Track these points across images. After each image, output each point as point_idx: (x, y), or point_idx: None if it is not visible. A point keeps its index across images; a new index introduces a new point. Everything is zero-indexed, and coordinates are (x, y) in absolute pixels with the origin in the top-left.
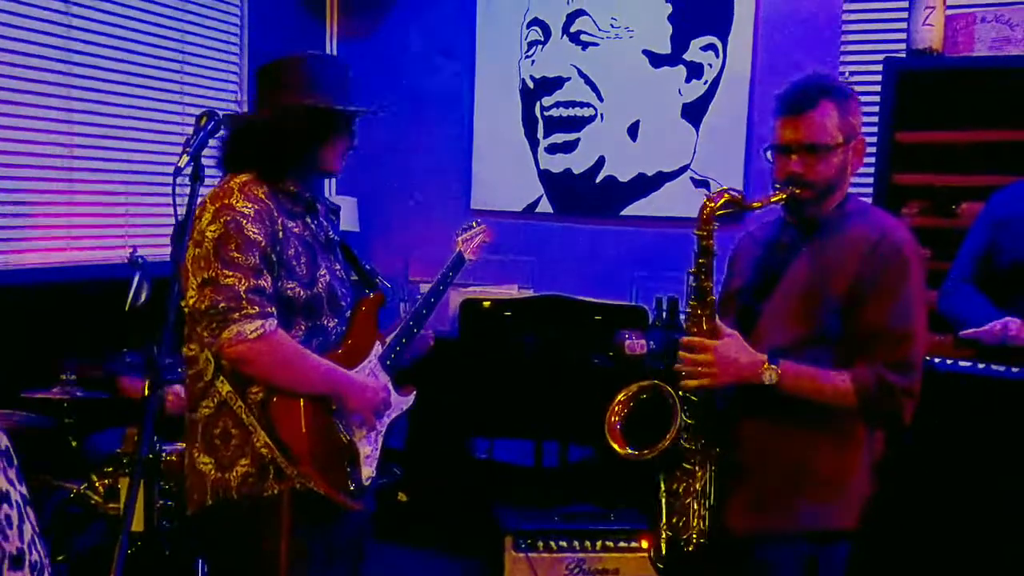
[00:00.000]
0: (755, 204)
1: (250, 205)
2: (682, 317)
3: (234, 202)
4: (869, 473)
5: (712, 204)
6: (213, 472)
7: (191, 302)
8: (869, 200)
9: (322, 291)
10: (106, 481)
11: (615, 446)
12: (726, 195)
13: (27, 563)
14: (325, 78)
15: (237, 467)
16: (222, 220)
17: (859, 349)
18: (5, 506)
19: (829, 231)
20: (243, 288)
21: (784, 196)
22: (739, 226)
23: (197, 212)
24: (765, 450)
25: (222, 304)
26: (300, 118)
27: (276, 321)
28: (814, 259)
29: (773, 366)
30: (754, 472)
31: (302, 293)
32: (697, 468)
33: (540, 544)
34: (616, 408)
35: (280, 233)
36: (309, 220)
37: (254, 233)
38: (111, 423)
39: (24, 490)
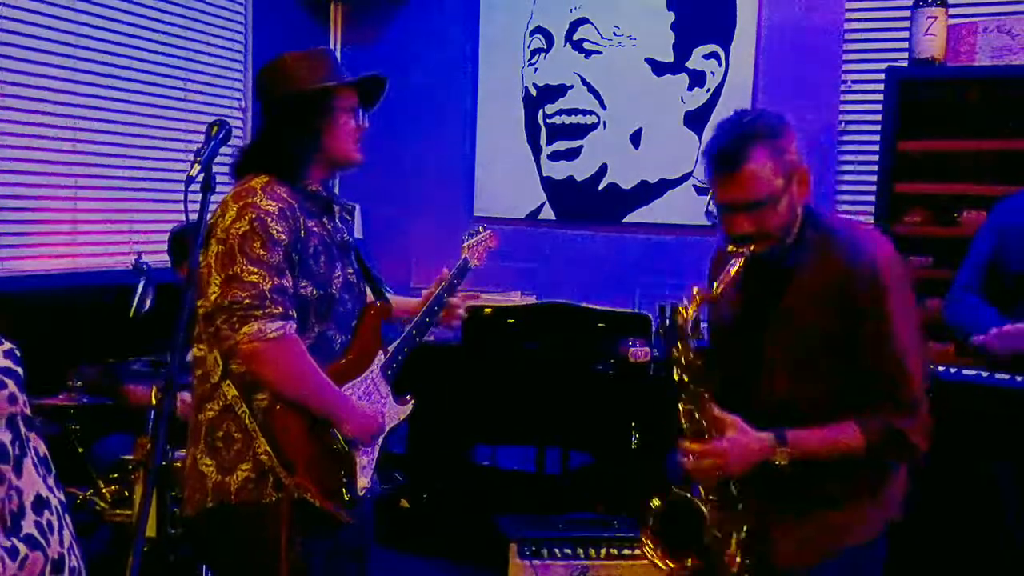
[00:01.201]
0: (719, 289)
1: (273, 203)
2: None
3: (258, 200)
4: (907, 473)
5: (686, 314)
6: (214, 474)
7: (212, 298)
8: (872, 209)
9: (335, 292)
10: (113, 488)
11: (667, 565)
12: (696, 298)
13: (67, 569)
14: (310, 65)
15: (238, 471)
16: (247, 217)
17: (859, 389)
18: (46, 512)
19: (798, 272)
20: (267, 287)
21: (743, 262)
22: None
23: (219, 211)
24: (797, 485)
25: (246, 300)
26: (286, 111)
27: (296, 325)
28: (792, 315)
29: (782, 448)
30: (790, 505)
31: (316, 293)
32: (727, 536)
33: (544, 551)
34: (646, 537)
35: (302, 231)
36: (326, 221)
37: (278, 231)
38: (115, 429)
39: (62, 496)
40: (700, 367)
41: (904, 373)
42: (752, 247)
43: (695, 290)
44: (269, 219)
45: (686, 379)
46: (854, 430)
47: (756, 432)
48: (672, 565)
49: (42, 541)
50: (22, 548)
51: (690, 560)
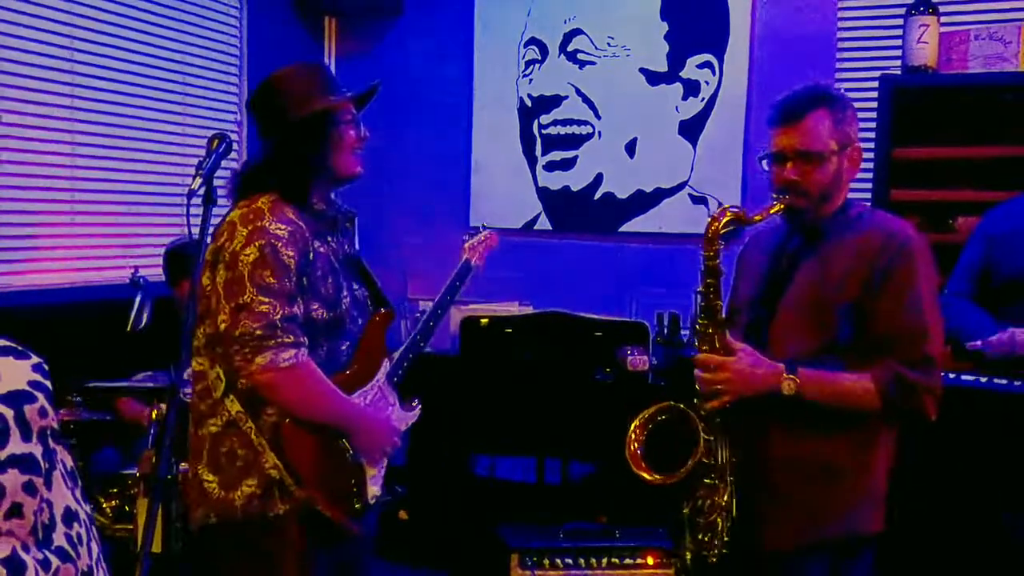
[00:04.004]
0: (756, 217)
1: (283, 227)
2: (685, 333)
3: (267, 224)
4: (886, 473)
5: (717, 223)
6: (217, 490)
7: (223, 327)
8: None
9: (344, 312)
10: (114, 503)
11: (641, 474)
12: (728, 213)
13: None
14: (307, 82)
15: (243, 487)
16: (257, 244)
17: (875, 351)
18: (75, 524)
19: (833, 236)
20: (278, 316)
21: (782, 206)
22: (737, 241)
23: (226, 233)
24: (787, 456)
25: (258, 332)
26: (290, 131)
27: (307, 351)
28: (820, 266)
29: (791, 375)
30: (778, 480)
31: (325, 315)
32: (719, 483)
33: (546, 562)
34: (635, 434)
35: (311, 255)
36: (331, 239)
37: (288, 257)
38: (113, 444)
39: (88, 509)
40: (719, 273)
41: (923, 331)
42: (794, 198)
43: (726, 204)
44: (280, 243)
45: (709, 292)
46: (865, 379)
47: (767, 359)
48: (651, 478)
49: (72, 553)
50: (54, 560)
51: (673, 478)
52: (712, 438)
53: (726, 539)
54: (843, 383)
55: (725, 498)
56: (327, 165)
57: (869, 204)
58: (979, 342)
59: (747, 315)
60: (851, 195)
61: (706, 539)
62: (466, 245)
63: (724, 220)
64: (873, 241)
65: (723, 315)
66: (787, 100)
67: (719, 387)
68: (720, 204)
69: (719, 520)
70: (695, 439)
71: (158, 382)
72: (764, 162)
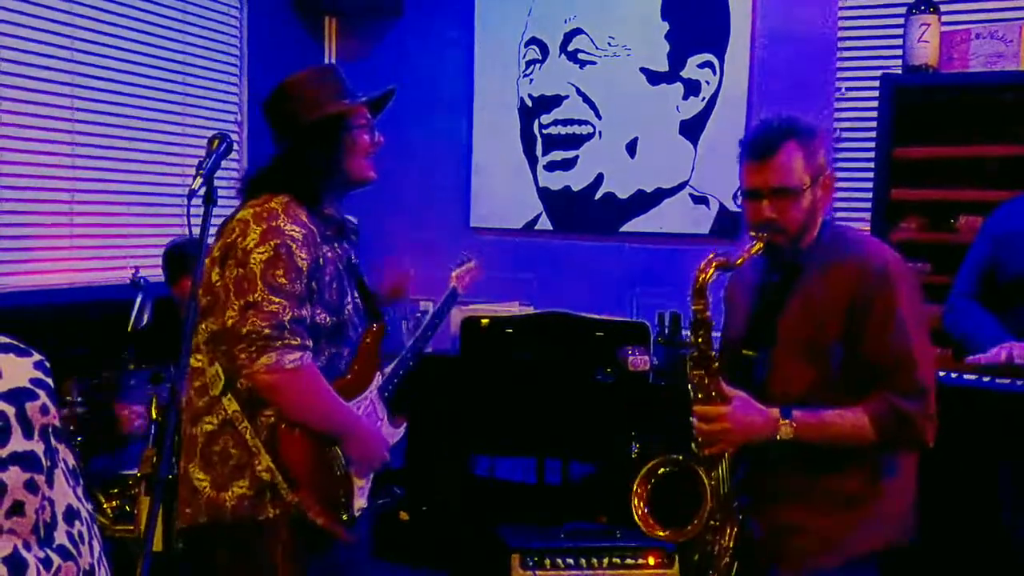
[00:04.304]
0: (739, 261)
1: (298, 229)
2: (686, 333)
3: (282, 224)
4: (911, 492)
5: (704, 275)
6: (208, 490)
7: (230, 323)
8: (868, 216)
9: (346, 319)
10: (114, 503)
11: (655, 533)
12: (714, 264)
13: None
14: (322, 86)
15: (234, 487)
16: (272, 243)
17: (867, 382)
18: (77, 523)
19: (811, 268)
20: (287, 317)
21: (761, 245)
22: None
23: (237, 229)
24: (800, 490)
25: (266, 331)
26: (307, 135)
27: (312, 355)
28: (803, 304)
29: (787, 420)
30: (793, 515)
31: (329, 320)
32: (725, 523)
33: (547, 562)
34: (638, 492)
35: (320, 259)
36: (337, 246)
37: (301, 259)
38: (113, 444)
39: (91, 507)
40: (709, 324)
41: (911, 360)
42: (772, 236)
43: (712, 255)
44: (294, 245)
45: (700, 342)
46: (860, 414)
47: (762, 407)
48: (661, 533)
49: (74, 552)
50: (55, 559)
51: (681, 534)
52: (714, 483)
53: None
54: (838, 422)
55: (731, 542)
56: (341, 169)
57: (870, 208)
58: (979, 357)
59: (741, 357)
60: (852, 195)
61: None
62: (453, 274)
63: (710, 272)
64: (850, 272)
65: (717, 364)
66: (757, 135)
67: (717, 437)
68: (721, 205)
69: (728, 559)
70: (696, 480)
71: (158, 383)
72: (739, 198)
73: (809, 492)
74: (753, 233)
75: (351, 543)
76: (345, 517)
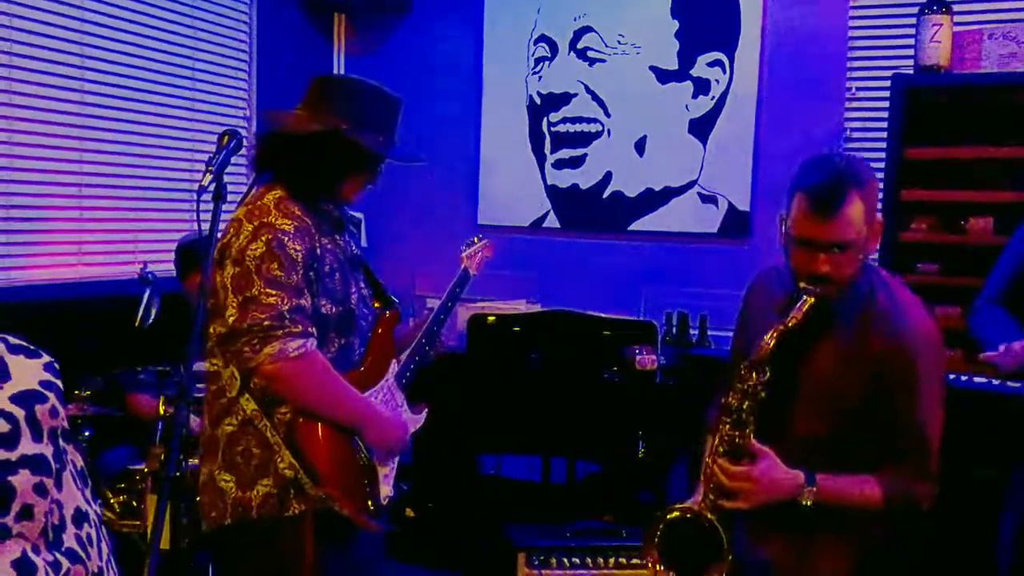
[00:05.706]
0: (791, 323)
1: (289, 222)
2: (694, 332)
3: (273, 220)
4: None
5: (767, 347)
6: (234, 490)
7: (231, 321)
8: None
9: (354, 307)
10: (121, 498)
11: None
12: (775, 336)
13: None
14: (377, 115)
15: (258, 486)
16: (264, 238)
17: (883, 452)
18: (86, 525)
19: (843, 319)
20: (286, 307)
21: (812, 300)
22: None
23: (233, 229)
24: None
25: (266, 322)
26: (343, 149)
27: (316, 342)
28: (831, 353)
29: (811, 488)
30: (818, 565)
31: (334, 310)
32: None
33: (553, 561)
34: (652, 555)
35: (317, 249)
36: (337, 237)
37: (295, 251)
38: (122, 439)
39: (98, 509)
40: (759, 399)
41: (928, 447)
42: (823, 289)
43: (773, 331)
44: (286, 238)
45: (741, 404)
46: (874, 487)
47: (788, 469)
48: None
49: (83, 555)
50: (64, 562)
51: None
52: (729, 534)
53: None
54: (855, 494)
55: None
56: (336, 186)
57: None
58: (990, 354)
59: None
60: None
61: None
62: (463, 254)
63: (772, 344)
64: (883, 340)
65: (753, 427)
66: (821, 185)
67: (739, 493)
68: (730, 204)
69: None
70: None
71: (167, 377)
72: (784, 236)
73: (840, 542)
74: (803, 285)
75: (374, 535)
76: (372, 506)
